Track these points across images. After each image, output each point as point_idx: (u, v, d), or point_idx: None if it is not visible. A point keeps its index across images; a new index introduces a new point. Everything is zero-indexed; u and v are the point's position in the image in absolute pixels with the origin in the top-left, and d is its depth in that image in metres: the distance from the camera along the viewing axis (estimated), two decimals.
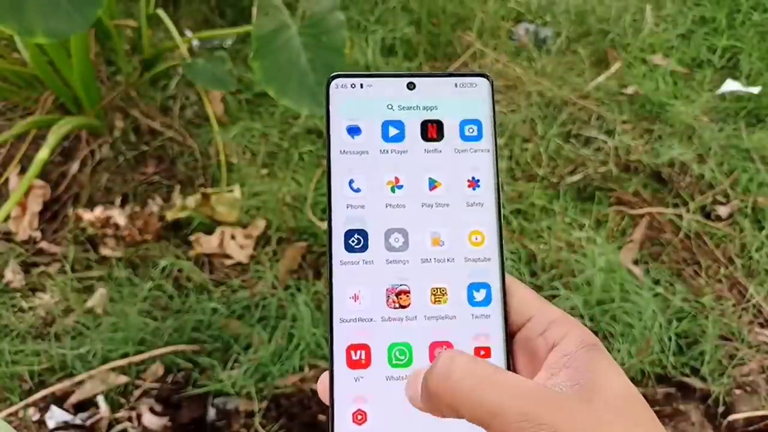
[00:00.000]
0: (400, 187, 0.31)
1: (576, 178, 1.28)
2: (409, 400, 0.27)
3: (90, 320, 1.05)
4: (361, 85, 0.32)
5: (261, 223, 1.17)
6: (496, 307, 0.31)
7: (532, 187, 1.25)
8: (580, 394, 0.25)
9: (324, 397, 0.30)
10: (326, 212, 0.31)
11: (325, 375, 0.30)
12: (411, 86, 0.32)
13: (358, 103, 0.32)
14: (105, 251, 1.15)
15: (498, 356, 0.30)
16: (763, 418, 0.97)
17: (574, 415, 0.24)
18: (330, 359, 0.30)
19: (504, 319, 0.30)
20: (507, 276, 0.31)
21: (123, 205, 1.22)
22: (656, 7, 1.65)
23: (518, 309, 0.30)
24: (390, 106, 0.32)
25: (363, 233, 0.31)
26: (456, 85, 0.32)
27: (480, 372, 0.25)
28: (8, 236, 1.18)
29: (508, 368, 0.30)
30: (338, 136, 0.32)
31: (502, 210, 0.32)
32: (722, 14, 1.60)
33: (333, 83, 0.32)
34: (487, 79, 0.33)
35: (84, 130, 1.28)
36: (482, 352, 0.30)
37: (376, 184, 0.31)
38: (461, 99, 0.32)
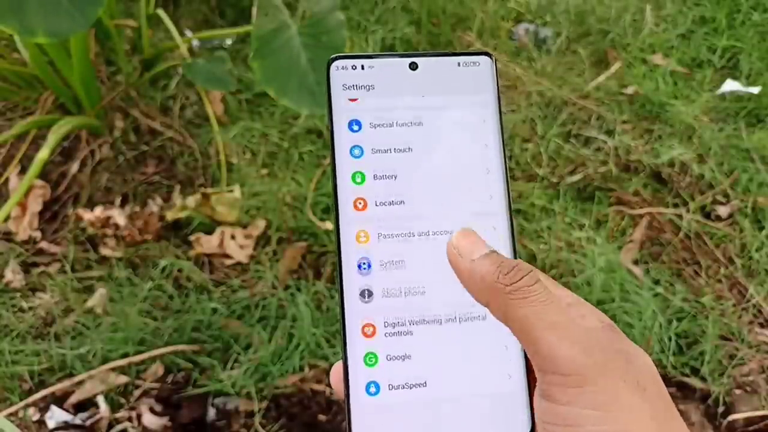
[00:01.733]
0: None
1: (576, 178, 1.28)
2: (451, 251, 0.27)
3: (90, 320, 1.05)
4: (362, 67, 0.31)
5: (261, 223, 1.17)
6: None
7: (532, 187, 1.25)
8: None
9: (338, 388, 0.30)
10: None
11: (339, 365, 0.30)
12: (413, 66, 0.32)
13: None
14: (105, 251, 1.15)
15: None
16: (763, 418, 0.97)
17: (623, 366, 0.24)
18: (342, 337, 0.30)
19: None
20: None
21: (123, 205, 1.22)
22: (656, 7, 1.65)
23: None
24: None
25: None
26: (459, 64, 0.32)
27: (552, 295, 0.25)
28: (8, 236, 1.18)
29: (524, 351, 0.30)
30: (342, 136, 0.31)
31: (511, 205, 0.32)
32: (722, 14, 1.60)
33: (333, 65, 0.31)
34: (490, 57, 0.32)
35: (84, 130, 1.28)
36: None
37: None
38: (464, 78, 0.32)
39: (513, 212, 0.31)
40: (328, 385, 0.98)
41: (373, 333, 0.30)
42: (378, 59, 0.32)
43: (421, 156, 0.31)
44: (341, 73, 0.31)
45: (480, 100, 0.32)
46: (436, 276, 0.30)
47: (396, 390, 0.29)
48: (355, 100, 0.31)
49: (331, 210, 0.31)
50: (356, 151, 0.31)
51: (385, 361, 0.29)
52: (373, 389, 0.29)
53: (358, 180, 0.31)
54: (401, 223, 0.30)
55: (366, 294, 0.30)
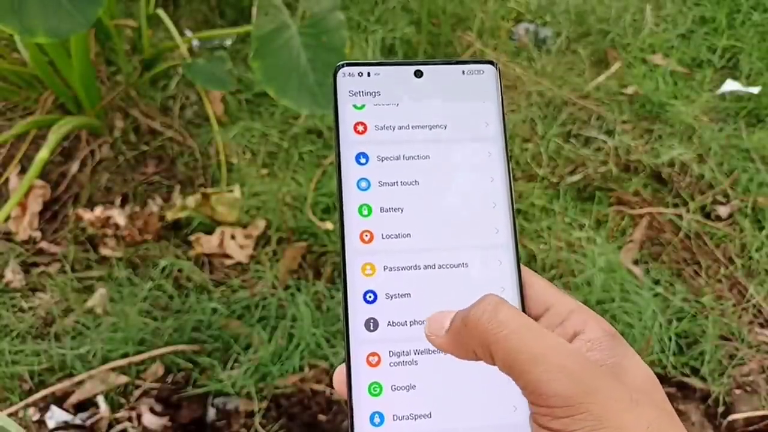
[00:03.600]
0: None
1: (576, 178, 1.28)
2: (428, 336, 0.27)
3: (90, 320, 1.05)
4: (368, 74, 0.32)
5: (261, 223, 1.17)
6: (512, 298, 0.30)
7: (532, 187, 1.25)
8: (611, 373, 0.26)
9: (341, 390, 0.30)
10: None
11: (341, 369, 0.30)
12: (418, 74, 0.32)
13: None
14: (105, 251, 1.15)
15: None
16: (763, 418, 0.97)
17: (611, 385, 0.24)
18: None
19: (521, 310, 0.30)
20: (522, 267, 0.31)
21: (123, 205, 1.22)
22: (656, 7, 1.65)
23: (535, 299, 0.30)
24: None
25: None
26: (463, 72, 0.32)
27: (527, 321, 0.25)
28: (8, 236, 1.18)
29: None
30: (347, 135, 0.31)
31: (514, 207, 0.32)
32: (722, 14, 1.60)
33: (340, 72, 0.32)
34: (494, 66, 0.33)
35: (84, 130, 1.28)
36: None
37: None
38: (468, 86, 0.32)
39: (519, 246, 0.31)
40: (329, 385, 0.98)
41: (378, 363, 0.29)
42: (384, 67, 0.32)
43: (427, 188, 0.31)
44: (348, 80, 0.32)
45: (483, 107, 0.32)
46: (442, 307, 0.29)
47: (400, 421, 0.29)
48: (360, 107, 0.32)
49: (337, 227, 0.31)
50: (362, 159, 0.31)
51: (390, 392, 0.29)
52: (377, 420, 0.29)
53: (365, 213, 0.31)
54: (407, 254, 0.30)
55: (371, 324, 0.30)
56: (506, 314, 0.25)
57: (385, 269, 0.30)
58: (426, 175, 0.31)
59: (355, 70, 0.32)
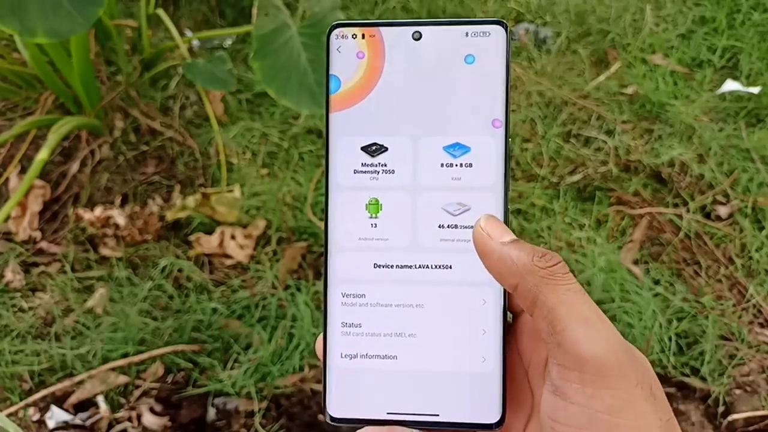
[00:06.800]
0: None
1: (576, 178, 1.28)
2: (479, 234, 0.26)
3: (90, 320, 1.05)
4: (363, 35, 0.30)
5: (261, 223, 1.17)
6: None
7: (532, 187, 1.25)
8: None
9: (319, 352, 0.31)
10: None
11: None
12: (417, 36, 0.30)
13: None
14: (105, 251, 1.15)
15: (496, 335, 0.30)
16: (763, 418, 0.97)
17: (639, 371, 0.24)
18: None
19: (504, 308, 0.30)
20: None
21: (123, 205, 1.22)
22: (656, 7, 1.65)
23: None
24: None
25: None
26: (467, 34, 0.29)
27: (581, 287, 0.25)
28: (8, 236, 1.18)
29: (503, 349, 0.30)
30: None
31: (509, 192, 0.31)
32: (722, 14, 1.60)
33: (334, 33, 0.30)
34: (503, 26, 0.29)
35: (84, 130, 1.28)
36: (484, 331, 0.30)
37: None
38: (472, 50, 0.29)
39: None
40: None
41: (352, 304, 0.31)
42: (380, 28, 0.30)
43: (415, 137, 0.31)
44: (342, 41, 0.30)
45: (487, 75, 0.29)
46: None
47: (369, 359, 0.30)
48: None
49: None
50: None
51: (361, 332, 0.30)
52: (347, 356, 0.30)
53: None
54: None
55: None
56: (572, 275, 0.25)
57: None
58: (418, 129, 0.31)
59: (350, 31, 0.30)
